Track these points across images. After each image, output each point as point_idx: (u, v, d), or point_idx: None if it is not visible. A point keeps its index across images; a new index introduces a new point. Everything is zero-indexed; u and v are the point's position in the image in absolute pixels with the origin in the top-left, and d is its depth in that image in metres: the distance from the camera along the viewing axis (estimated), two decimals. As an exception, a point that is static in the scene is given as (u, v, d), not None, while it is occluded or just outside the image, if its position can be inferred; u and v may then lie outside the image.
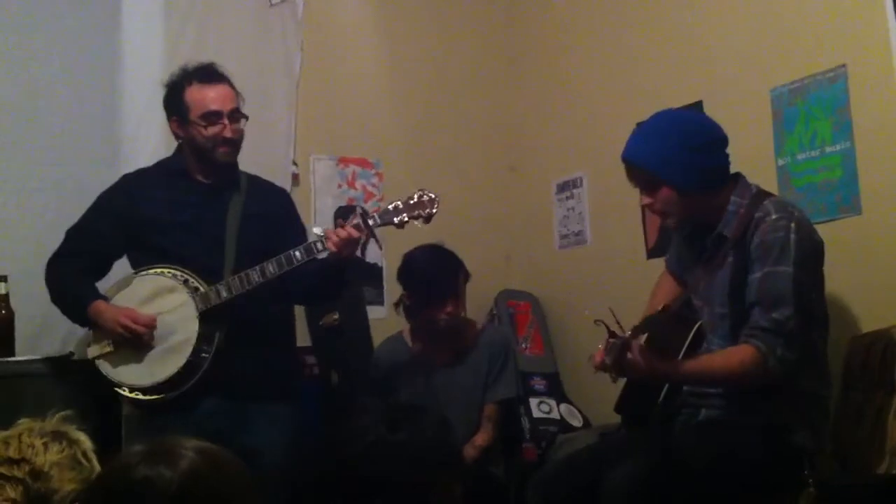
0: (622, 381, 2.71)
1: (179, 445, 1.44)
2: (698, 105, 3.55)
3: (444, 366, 3.58)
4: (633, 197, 3.73)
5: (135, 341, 2.90)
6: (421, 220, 2.95)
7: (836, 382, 2.83)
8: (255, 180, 3.19)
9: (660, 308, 2.55)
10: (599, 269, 4.10)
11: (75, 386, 2.96)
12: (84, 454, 1.72)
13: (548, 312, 4.38)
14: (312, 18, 4.19)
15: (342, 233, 2.90)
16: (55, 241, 3.08)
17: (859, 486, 2.66)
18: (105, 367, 2.94)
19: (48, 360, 3.14)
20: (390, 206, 2.96)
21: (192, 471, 1.40)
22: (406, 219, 2.94)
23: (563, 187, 4.33)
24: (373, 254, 3.99)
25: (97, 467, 1.72)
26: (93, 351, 2.95)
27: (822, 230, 2.69)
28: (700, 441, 2.63)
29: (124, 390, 2.92)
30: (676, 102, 3.39)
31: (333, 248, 2.90)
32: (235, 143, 3.05)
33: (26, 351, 3.22)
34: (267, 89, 4.02)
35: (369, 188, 4.27)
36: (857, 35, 3.08)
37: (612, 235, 4.09)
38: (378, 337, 3.84)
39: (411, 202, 2.95)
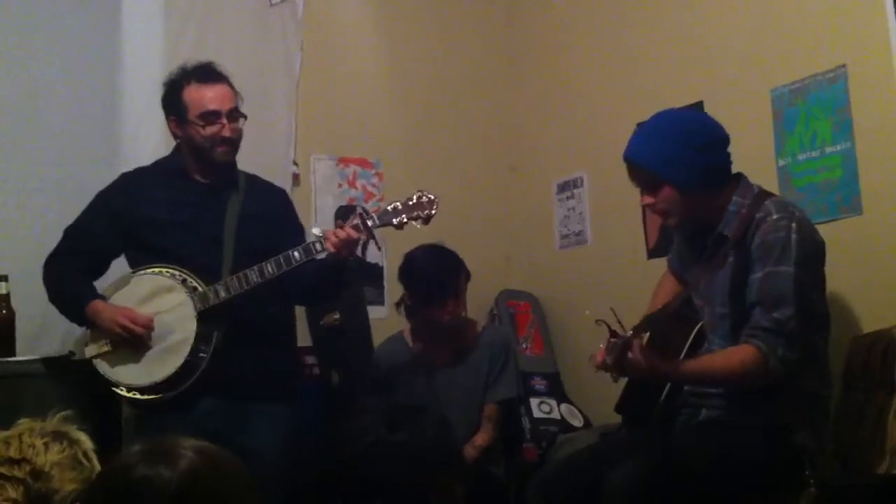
0: (623, 381, 2.71)
1: (178, 445, 1.44)
2: (699, 105, 3.55)
3: (444, 366, 3.58)
4: (633, 197, 3.72)
5: (133, 341, 2.90)
6: (420, 221, 2.94)
7: (836, 382, 2.83)
8: (253, 180, 3.19)
9: (660, 307, 2.55)
10: (600, 270, 4.10)
11: (75, 386, 2.96)
12: (85, 454, 1.72)
13: (548, 312, 4.38)
14: (312, 18, 4.19)
15: (341, 233, 2.89)
16: (55, 241, 3.09)
17: (860, 486, 2.66)
18: (103, 367, 2.94)
19: (48, 360, 3.14)
20: (389, 207, 2.95)
21: (191, 471, 1.40)
22: (405, 220, 2.94)
23: (563, 187, 4.33)
24: (373, 254, 3.98)
25: (98, 467, 1.72)
26: (90, 350, 2.95)
27: (823, 230, 2.69)
28: (701, 441, 2.63)
29: (122, 390, 2.92)
30: (677, 102, 3.39)
31: (332, 249, 2.90)
32: (234, 143, 3.04)
33: (26, 351, 3.22)
34: (267, 89, 4.02)
35: (369, 188, 4.27)
36: (857, 35, 3.08)
37: (612, 235, 4.09)
38: (379, 337, 3.84)
39: (410, 203, 2.94)
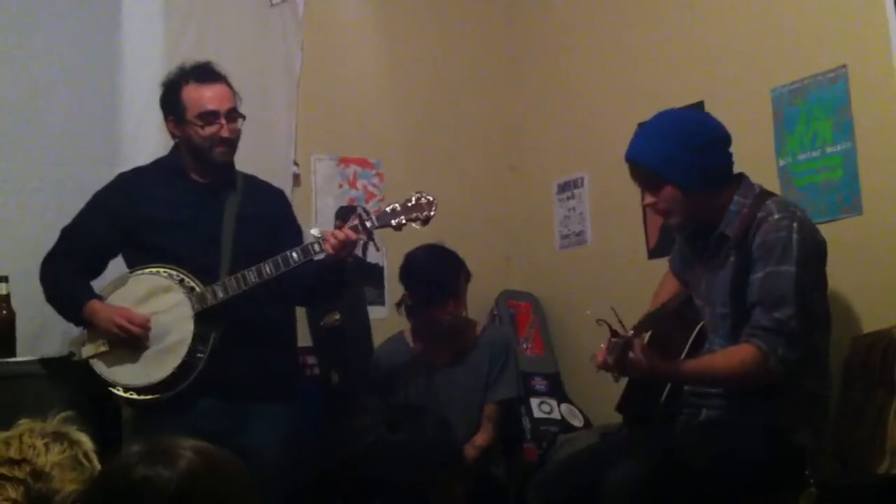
0: (623, 381, 2.71)
1: (177, 445, 1.44)
2: (699, 105, 3.55)
3: (444, 366, 3.57)
4: (634, 197, 3.74)
5: (130, 341, 2.89)
6: (419, 222, 2.94)
7: (836, 382, 2.83)
8: (251, 180, 3.18)
9: (662, 304, 2.56)
10: (600, 270, 4.10)
11: (76, 386, 2.95)
12: (85, 455, 1.72)
13: (548, 313, 4.37)
14: (313, 18, 4.18)
15: (340, 234, 2.89)
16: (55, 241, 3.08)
17: (860, 486, 2.66)
18: (99, 367, 2.93)
19: (48, 361, 3.14)
20: (388, 209, 2.95)
21: (191, 471, 1.40)
22: (404, 221, 2.93)
23: (563, 187, 4.33)
24: (373, 254, 3.98)
25: (98, 468, 1.72)
26: (87, 350, 2.95)
27: (823, 230, 2.69)
28: (701, 441, 2.63)
29: (119, 390, 2.91)
30: (677, 102, 3.39)
31: (331, 250, 2.89)
32: (232, 143, 3.04)
33: (27, 351, 3.22)
34: (267, 89, 4.02)
35: (370, 188, 4.27)
36: (857, 35, 3.08)
37: (613, 236, 4.09)
38: (379, 337, 3.84)
39: (409, 204, 2.94)
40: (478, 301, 4.05)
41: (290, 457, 2.96)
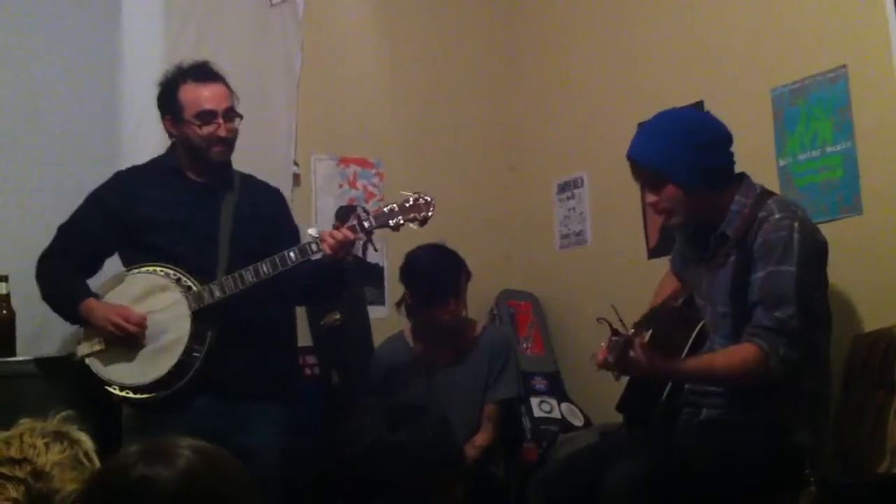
0: (624, 381, 2.71)
1: (176, 445, 1.43)
2: (699, 105, 3.55)
3: (444, 365, 3.57)
4: (634, 197, 3.74)
5: (126, 340, 2.89)
6: (416, 223, 2.94)
7: (836, 381, 2.83)
8: (248, 179, 3.18)
9: (660, 302, 2.56)
10: (600, 270, 4.10)
11: (76, 386, 2.95)
12: (86, 454, 1.72)
13: (548, 312, 4.38)
14: (313, 18, 4.18)
15: (337, 234, 2.89)
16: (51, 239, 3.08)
17: (860, 486, 2.66)
18: (96, 366, 2.93)
19: (49, 361, 3.14)
20: (386, 209, 2.95)
21: (190, 470, 1.40)
22: (401, 221, 2.93)
23: (563, 187, 4.33)
24: (374, 254, 3.98)
25: (99, 467, 1.72)
26: (83, 349, 2.94)
27: (824, 230, 2.69)
28: (701, 440, 2.63)
29: (114, 389, 2.91)
30: (677, 102, 3.38)
31: (328, 251, 2.89)
32: (230, 143, 3.03)
33: (27, 351, 3.22)
34: (267, 89, 4.02)
35: (370, 188, 4.27)
36: (857, 35, 3.08)
37: (612, 235, 4.09)
38: (379, 337, 3.84)
39: (407, 205, 2.94)
40: (478, 301, 4.05)
41: (289, 457, 2.96)
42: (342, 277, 3.02)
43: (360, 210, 3.01)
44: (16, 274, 3.20)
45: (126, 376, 2.90)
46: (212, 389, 2.91)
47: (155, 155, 3.25)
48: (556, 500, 2.72)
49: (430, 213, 2.94)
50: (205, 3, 3.90)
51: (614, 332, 2.43)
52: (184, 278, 2.94)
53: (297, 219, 3.29)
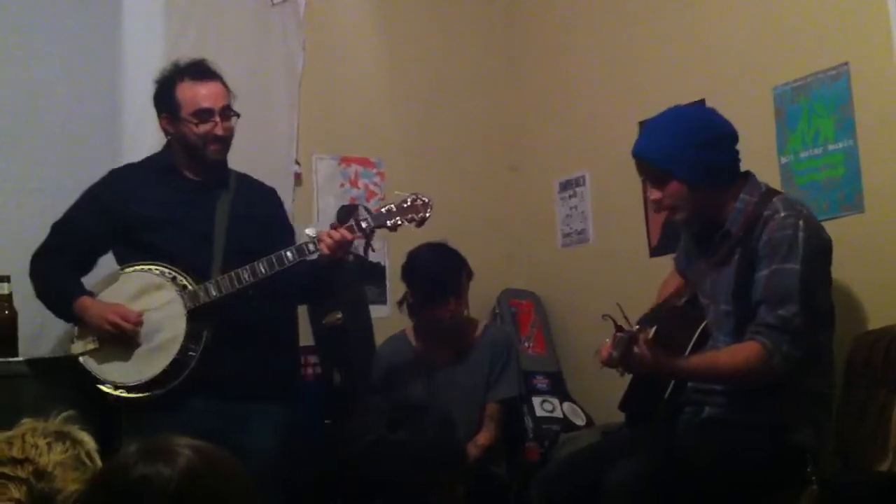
0: (627, 378, 2.71)
1: (175, 444, 1.43)
2: (701, 103, 3.54)
3: (446, 365, 3.57)
4: (636, 195, 3.75)
5: (121, 338, 2.88)
6: (414, 223, 2.94)
7: (838, 380, 2.83)
8: (244, 178, 3.17)
9: (664, 299, 2.55)
10: (602, 268, 4.10)
11: (77, 386, 2.95)
12: (88, 454, 1.72)
13: (550, 311, 4.37)
14: (314, 18, 4.18)
15: (336, 234, 2.89)
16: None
17: (862, 484, 2.66)
18: (90, 364, 2.91)
19: (50, 360, 3.14)
20: (384, 209, 2.95)
21: (190, 469, 1.40)
22: (399, 222, 2.93)
23: (565, 186, 4.33)
24: (375, 253, 3.98)
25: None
26: (77, 347, 2.93)
27: (825, 228, 2.68)
28: (703, 439, 2.63)
29: (109, 387, 2.89)
30: (679, 101, 3.35)
31: (326, 250, 2.88)
32: (226, 141, 3.03)
33: (28, 351, 3.22)
34: (268, 89, 4.02)
35: (371, 187, 4.27)
36: (859, 33, 3.08)
37: (614, 234, 4.09)
38: (381, 336, 3.84)
39: (405, 205, 2.94)
40: (480, 300, 4.05)
41: (289, 456, 2.96)
42: (339, 277, 3.02)
43: (360, 209, 3.01)
44: (16, 274, 3.20)
45: (121, 375, 2.89)
46: (208, 389, 2.90)
47: (155, 154, 3.25)
48: (557, 500, 2.72)
49: (427, 214, 2.94)
50: (205, 3, 3.90)
51: (618, 328, 2.43)
52: (179, 277, 2.93)
53: (299, 218, 3.30)
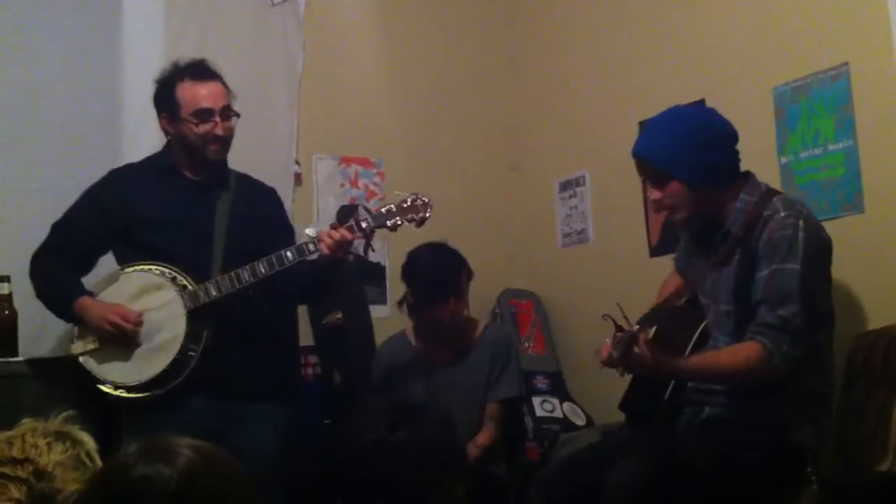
0: (627, 379, 2.71)
1: (175, 444, 1.43)
2: (700, 104, 3.54)
3: (446, 365, 3.57)
4: (636, 195, 3.74)
5: (121, 338, 2.88)
6: (414, 223, 2.94)
7: (838, 380, 2.83)
8: (244, 178, 3.17)
9: (664, 299, 2.55)
10: (602, 268, 4.10)
11: (77, 386, 2.95)
12: (88, 454, 1.72)
13: (550, 311, 4.37)
14: (314, 18, 4.18)
15: (335, 234, 2.89)
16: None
17: (861, 484, 2.66)
18: (90, 364, 2.91)
19: (50, 360, 3.13)
20: (384, 209, 2.95)
21: (190, 469, 1.40)
22: (399, 222, 2.93)
23: (565, 186, 4.33)
24: (375, 253, 3.98)
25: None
26: (77, 347, 2.92)
27: (825, 228, 2.69)
28: (703, 439, 2.63)
29: (108, 387, 2.89)
30: (678, 101, 3.35)
31: (326, 251, 2.89)
32: (226, 141, 3.03)
33: (28, 351, 3.22)
34: (268, 89, 4.02)
35: (371, 187, 4.27)
36: (859, 33, 3.08)
37: (614, 234, 4.09)
38: (381, 336, 3.84)
39: (405, 205, 2.94)
40: (479, 300, 4.05)
41: (288, 456, 2.96)
42: (339, 277, 3.02)
43: (360, 209, 3.01)
44: (16, 274, 3.20)
45: (121, 375, 2.89)
46: (208, 389, 2.90)
47: (155, 155, 3.25)
48: (557, 500, 2.72)
49: (427, 214, 2.94)
50: (205, 3, 3.90)
51: (618, 328, 2.43)
52: (179, 277, 2.93)
53: (299, 218, 3.30)
